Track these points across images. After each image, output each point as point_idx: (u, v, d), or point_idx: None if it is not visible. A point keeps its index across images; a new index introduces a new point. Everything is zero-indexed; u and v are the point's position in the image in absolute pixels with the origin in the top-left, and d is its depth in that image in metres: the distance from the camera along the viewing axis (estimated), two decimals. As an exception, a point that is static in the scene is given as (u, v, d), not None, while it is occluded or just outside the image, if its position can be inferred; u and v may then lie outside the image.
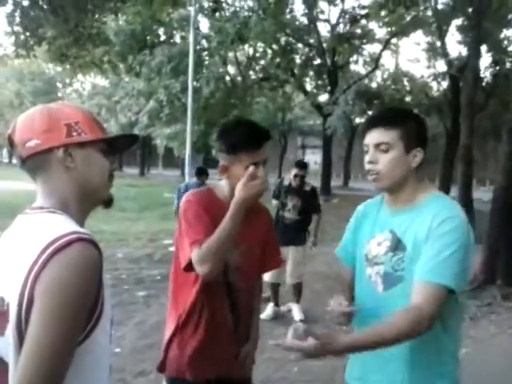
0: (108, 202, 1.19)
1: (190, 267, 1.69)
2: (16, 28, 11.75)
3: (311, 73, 22.54)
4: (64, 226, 1.02)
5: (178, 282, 1.86)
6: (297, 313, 5.01)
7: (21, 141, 1.08)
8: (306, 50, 21.28)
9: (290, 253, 5.00)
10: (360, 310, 1.65)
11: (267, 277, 4.84)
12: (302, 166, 5.17)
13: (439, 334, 1.53)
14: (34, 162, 1.08)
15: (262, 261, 1.96)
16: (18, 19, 11.56)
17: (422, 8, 16.74)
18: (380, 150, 1.54)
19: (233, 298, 1.84)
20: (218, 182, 1.90)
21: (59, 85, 43.69)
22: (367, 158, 1.58)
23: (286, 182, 5.19)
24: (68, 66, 17.05)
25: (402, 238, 1.56)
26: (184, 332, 1.82)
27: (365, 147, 1.60)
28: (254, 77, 22.48)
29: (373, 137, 1.57)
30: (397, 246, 1.56)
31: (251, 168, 1.65)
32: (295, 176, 5.01)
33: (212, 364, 1.81)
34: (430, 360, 1.54)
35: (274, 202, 5.06)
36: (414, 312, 1.40)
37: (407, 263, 1.52)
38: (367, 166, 1.58)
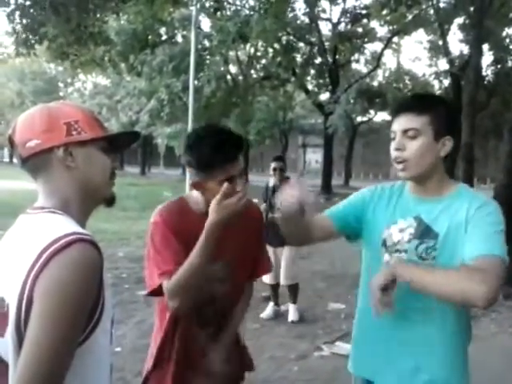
0: (110, 201, 1.18)
1: (153, 294, 1.61)
2: (17, 27, 11.75)
3: (312, 72, 22.52)
4: (64, 226, 1.01)
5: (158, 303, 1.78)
6: (292, 313, 5.00)
7: (21, 141, 1.07)
8: (308, 48, 21.26)
9: (283, 253, 4.97)
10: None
11: (266, 278, 4.83)
12: (278, 158, 5.14)
13: (461, 323, 1.51)
14: (35, 162, 1.08)
15: (252, 267, 1.83)
16: (18, 18, 11.56)
17: (423, 6, 16.71)
18: (408, 136, 1.47)
19: (215, 307, 1.72)
20: (192, 192, 1.72)
21: (61, 84, 43.74)
22: (394, 144, 1.51)
23: (271, 184, 5.15)
24: (69, 65, 17.05)
25: (431, 226, 1.49)
26: (160, 364, 1.76)
27: (392, 134, 1.53)
28: (255, 76, 22.48)
29: (401, 123, 1.50)
30: (425, 233, 1.50)
31: (225, 186, 1.48)
32: (274, 170, 4.98)
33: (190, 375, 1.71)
34: (439, 354, 1.52)
35: (263, 205, 4.99)
36: (478, 278, 1.26)
37: (440, 251, 1.46)
38: (394, 154, 1.51)
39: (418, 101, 1.55)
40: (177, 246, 1.58)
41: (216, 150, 1.52)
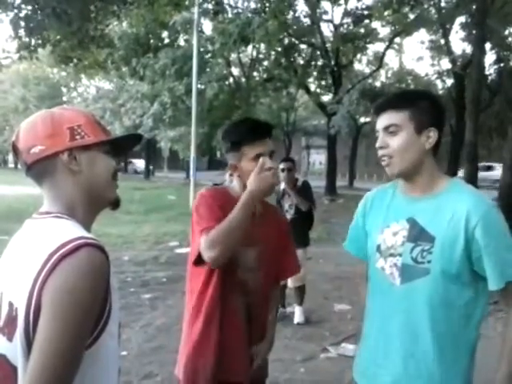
0: (115, 203, 1.19)
1: (199, 261, 1.69)
2: (20, 31, 11.81)
3: (315, 73, 22.52)
4: (71, 231, 1.02)
5: (191, 282, 1.86)
6: (298, 315, 4.98)
7: (25, 147, 1.08)
8: (310, 50, 21.27)
9: None
10: (372, 307, 1.61)
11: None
12: (286, 159, 5.13)
13: (460, 329, 1.47)
14: (40, 168, 1.08)
15: (281, 267, 1.95)
16: (21, 23, 11.62)
17: (425, 6, 16.70)
18: (389, 132, 1.49)
19: (247, 298, 1.81)
20: (232, 182, 1.93)
21: (64, 89, 43.88)
22: (377, 143, 1.53)
23: (281, 187, 5.15)
24: (72, 69, 17.12)
25: (426, 228, 1.45)
26: (196, 335, 1.80)
27: (376, 133, 1.55)
28: (257, 78, 22.50)
29: (382, 121, 1.52)
30: (420, 235, 1.46)
31: (261, 159, 1.65)
32: (282, 171, 4.97)
33: (227, 366, 1.79)
34: (443, 356, 1.47)
35: None
36: None
37: (437, 255, 1.42)
38: (379, 153, 1.53)
39: (397, 97, 1.56)
40: (220, 215, 1.70)
41: (245, 130, 1.77)
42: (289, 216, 5.01)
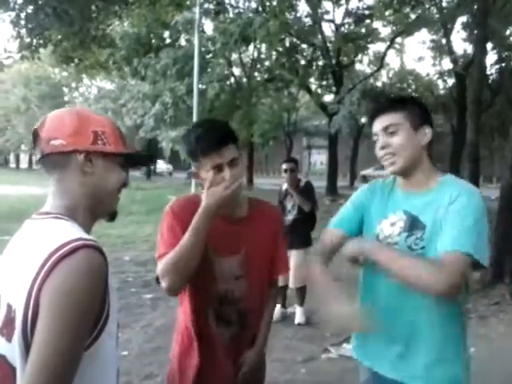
0: (112, 215, 1.21)
1: (157, 282, 1.66)
2: (21, 31, 11.82)
3: (316, 73, 22.51)
4: (69, 232, 1.02)
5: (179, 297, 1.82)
6: (298, 316, 4.98)
7: (46, 137, 1.09)
8: (311, 50, 21.26)
9: (291, 256, 4.90)
10: (369, 291, 1.68)
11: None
12: (288, 160, 5.13)
13: (449, 306, 1.53)
14: (54, 160, 1.10)
15: (270, 265, 1.83)
16: (22, 22, 11.64)
17: (426, 6, 16.69)
18: (389, 133, 1.57)
19: (236, 307, 1.74)
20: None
21: (65, 89, 43.92)
22: (378, 144, 1.59)
23: (283, 187, 5.14)
24: (74, 69, 17.13)
25: (419, 217, 1.55)
26: (180, 350, 1.77)
27: (374, 136, 1.63)
28: (258, 78, 22.50)
29: (379, 123, 1.59)
30: (413, 225, 1.56)
31: (209, 174, 1.59)
32: (285, 171, 4.96)
33: (208, 378, 1.72)
34: (434, 343, 1.55)
35: None
36: (437, 265, 1.39)
37: (427, 241, 1.51)
38: (380, 153, 1.60)
39: (391, 101, 1.67)
40: (179, 234, 1.63)
41: (198, 140, 1.61)
42: (291, 216, 5.00)
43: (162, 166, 41.18)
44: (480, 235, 1.45)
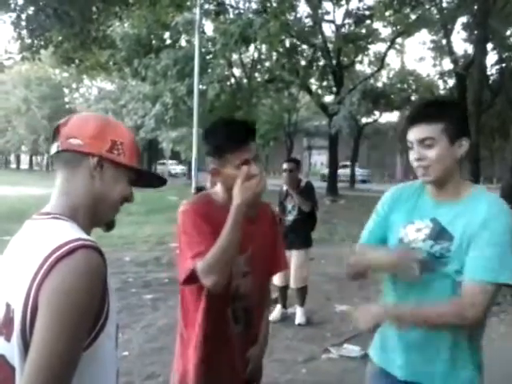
0: (110, 226, 1.22)
1: (188, 281, 1.64)
2: (22, 32, 11.84)
3: (316, 74, 22.52)
4: (68, 232, 1.02)
5: (185, 299, 1.82)
6: (299, 316, 4.98)
7: (66, 135, 1.11)
8: (311, 51, 21.27)
9: (292, 257, 4.89)
10: (392, 294, 1.69)
11: (275, 280, 4.80)
12: (289, 160, 5.12)
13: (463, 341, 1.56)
14: (67, 157, 1.11)
15: (270, 263, 1.90)
16: (23, 24, 11.65)
17: (427, 7, 16.69)
18: (425, 145, 1.54)
19: (241, 303, 1.78)
20: (215, 187, 1.84)
21: (66, 90, 43.95)
22: (413, 155, 1.58)
23: (284, 188, 5.13)
24: (75, 70, 17.16)
25: (447, 228, 1.55)
26: (188, 345, 1.78)
27: (409, 143, 1.60)
28: (259, 79, 22.50)
29: (416, 133, 1.56)
30: (440, 234, 1.55)
31: (243, 168, 1.60)
32: (284, 171, 4.95)
33: (219, 377, 1.76)
34: (452, 347, 1.56)
35: (276, 210, 4.97)
36: (458, 307, 1.45)
37: (453, 253, 1.51)
38: (415, 164, 1.58)
39: (430, 109, 1.60)
40: (207, 231, 1.65)
41: (227, 136, 1.65)
42: (292, 217, 4.99)
43: (175, 167, 40.93)
44: (506, 259, 1.46)
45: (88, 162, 1.10)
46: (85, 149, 1.10)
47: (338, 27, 21.39)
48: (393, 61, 42.62)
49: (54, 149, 1.14)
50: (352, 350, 4.18)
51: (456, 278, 1.51)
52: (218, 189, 1.79)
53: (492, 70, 19.59)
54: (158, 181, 1.29)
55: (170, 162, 39.44)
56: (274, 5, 15.66)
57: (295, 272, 4.94)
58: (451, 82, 22.47)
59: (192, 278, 1.62)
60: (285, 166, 4.94)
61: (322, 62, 21.67)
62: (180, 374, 1.80)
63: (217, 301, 1.71)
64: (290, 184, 4.92)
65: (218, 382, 1.77)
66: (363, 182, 31.83)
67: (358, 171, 31.75)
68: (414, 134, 1.56)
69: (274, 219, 1.97)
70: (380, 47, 28.46)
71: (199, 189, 5.54)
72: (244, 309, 1.79)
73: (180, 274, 1.67)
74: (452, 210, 1.56)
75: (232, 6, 18.37)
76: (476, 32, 11.64)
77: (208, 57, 17.39)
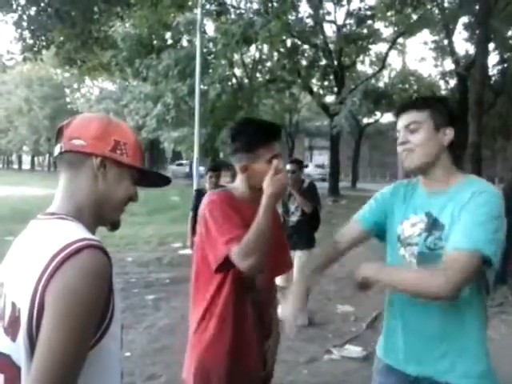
0: (115, 226, 1.22)
1: (222, 267, 1.68)
2: (24, 32, 11.86)
3: (318, 74, 22.51)
4: (74, 232, 1.03)
5: (200, 285, 1.85)
6: (300, 317, 4.97)
7: (69, 136, 1.12)
8: (312, 51, 21.27)
9: (295, 257, 4.89)
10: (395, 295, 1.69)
11: (278, 280, 4.80)
12: (292, 161, 5.12)
13: (467, 302, 1.53)
14: (71, 158, 1.12)
15: (278, 262, 1.96)
16: (25, 24, 11.67)
17: (428, 7, 16.68)
18: (410, 129, 1.59)
19: (256, 297, 1.85)
20: (233, 184, 1.93)
21: (67, 90, 44.00)
22: (398, 140, 1.62)
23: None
24: (77, 71, 17.19)
25: (438, 218, 1.57)
26: (209, 334, 1.81)
27: (397, 133, 1.65)
28: (260, 79, 22.50)
29: (403, 120, 1.62)
30: (433, 225, 1.57)
31: (275, 162, 1.68)
32: (287, 172, 4.95)
33: (237, 363, 1.81)
34: (458, 340, 1.55)
35: (279, 210, 4.98)
36: (434, 271, 1.43)
37: (446, 241, 1.51)
38: (399, 149, 1.62)
39: (418, 100, 1.71)
40: (237, 219, 1.71)
41: (260, 131, 1.77)
42: (295, 218, 5.00)
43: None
44: (492, 233, 1.43)
45: (91, 162, 1.11)
46: (87, 149, 1.11)
47: (340, 27, 21.39)
48: (394, 61, 42.58)
49: (57, 150, 1.14)
50: (354, 350, 4.18)
51: None
52: (239, 185, 1.85)
53: (494, 71, 19.56)
54: (162, 180, 1.29)
55: (185, 162, 38.86)
56: (276, 5, 15.66)
57: (300, 273, 4.94)
58: (453, 82, 22.46)
59: (226, 264, 1.66)
60: (288, 167, 4.95)
61: (323, 63, 21.65)
62: (199, 367, 1.81)
63: (239, 290, 1.78)
64: (293, 185, 4.92)
65: (242, 374, 1.81)
66: (323, 180, 31.98)
67: (316, 170, 31.63)
68: (402, 120, 1.63)
69: (279, 220, 2.08)
70: (381, 47, 28.47)
71: (199, 191, 5.54)
72: (257, 303, 1.85)
73: (212, 262, 1.71)
74: (442, 199, 1.58)
75: (233, 7, 18.38)
76: (477, 32, 11.62)
77: (209, 57, 17.39)
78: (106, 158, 1.12)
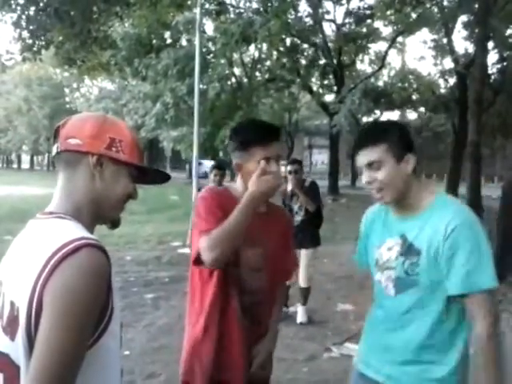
0: (115, 223, 1.22)
1: (198, 261, 1.69)
2: (23, 32, 11.85)
3: (317, 73, 22.51)
4: (72, 231, 1.03)
5: (194, 282, 1.87)
6: (301, 315, 4.99)
7: (65, 135, 1.12)
8: (312, 50, 21.26)
9: (301, 256, 4.93)
10: (374, 314, 1.73)
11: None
12: (293, 161, 5.14)
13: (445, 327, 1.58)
14: (67, 157, 1.12)
15: (284, 267, 1.97)
16: (24, 24, 11.66)
17: (428, 5, 16.67)
18: (373, 168, 1.58)
19: (251, 298, 1.82)
20: (234, 183, 1.94)
21: (67, 90, 43.97)
22: (364, 179, 1.62)
23: (288, 189, 5.15)
24: (76, 70, 17.17)
25: (414, 243, 1.58)
26: (196, 333, 1.82)
27: (359, 169, 1.65)
28: (259, 78, 22.50)
29: (363, 158, 1.60)
30: (408, 250, 1.58)
31: (262, 162, 1.70)
32: (289, 173, 4.98)
33: (224, 365, 1.80)
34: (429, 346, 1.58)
35: None
36: (489, 336, 1.47)
37: (422, 267, 1.54)
38: (368, 187, 1.63)
39: (371, 133, 1.67)
40: (220, 216, 1.70)
41: (255, 132, 1.78)
42: (299, 218, 5.02)
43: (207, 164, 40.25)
44: (490, 263, 1.50)
45: (88, 160, 1.11)
46: (84, 148, 1.11)
47: (339, 26, 21.39)
48: (393, 60, 42.71)
49: (54, 150, 1.14)
50: (353, 348, 4.18)
51: (430, 289, 1.54)
52: (238, 184, 1.86)
53: (493, 69, 19.54)
54: (161, 177, 1.29)
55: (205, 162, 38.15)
56: (275, 4, 15.64)
57: (304, 271, 4.98)
58: (452, 80, 22.41)
59: (201, 260, 1.67)
60: (289, 167, 4.97)
61: (322, 61, 21.65)
62: (188, 360, 1.84)
63: (224, 288, 1.77)
64: (295, 184, 4.95)
65: (227, 369, 1.80)
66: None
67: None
68: (361, 159, 1.61)
69: (286, 220, 2.06)
70: (381, 46, 28.42)
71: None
72: (252, 304, 1.82)
73: (192, 254, 1.73)
74: (416, 223, 1.59)
75: (232, 6, 18.37)
76: (477, 31, 11.62)
77: (209, 56, 17.39)
78: (102, 156, 1.12)
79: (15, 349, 0.99)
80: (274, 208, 2.00)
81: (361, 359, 1.80)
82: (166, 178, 1.30)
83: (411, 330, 1.59)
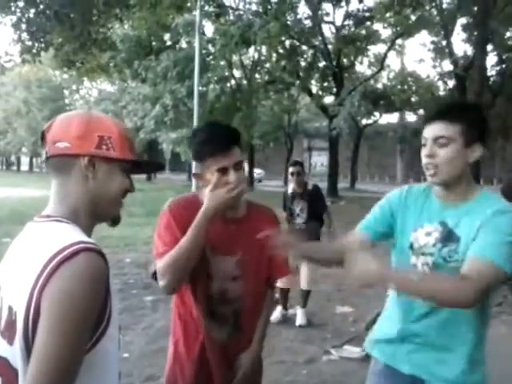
0: (115, 221, 1.20)
1: (154, 279, 1.67)
2: (23, 34, 11.86)
3: (316, 75, 22.54)
4: (70, 235, 1.02)
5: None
6: (300, 317, 4.98)
7: (52, 139, 1.10)
8: (311, 52, 21.30)
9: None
10: (401, 299, 1.68)
11: (279, 281, 4.81)
12: (295, 163, 5.14)
13: (476, 316, 1.55)
14: (58, 162, 1.09)
15: (268, 267, 1.82)
16: (24, 26, 11.68)
17: (427, 8, 16.71)
18: (439, 143, 1.51)
19: (232, 307, 1.75)
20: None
21: (66, 92, 43.98)
22: (425, 151, 1.55)
23: (289, 190, 5.14)
24: (75, 72, 17.19)
25: (454, 230, 1.54)
26: (177, 350, 1.81)
27: (423, 140, 1.57)
28: (259, 80, 22.53)
29: (432, 130, 1.53)
30: (448, 237, 1.55)
31: (214, 176, 1.60)
32: (291, 174, 4.98)
33: (202, 375, 1.75)
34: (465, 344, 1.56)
35: (283, 213, 5.00)
36: (462, 280, 1.39)
37: (461, 254, 1.50)
38: (425, 160, 1.55)
39: (451, 109, 1.59)
40: (177, 234, 1.64)
41: (206, 142, 1.64)
42: (301, 220, 5.02)
43: (256, 169, 39.20)
44: (510, 252, 1.44)
45: (79, 163, 1.08)
46: (73, 150, 1.08)
47: (338, 28, 21.42)
48: (393, 62, 42.77)
49: (43, 156, 1.12)
50: (352, 351, 4.17)
51: None
52: (205, 191, 1.78)
53: (492, 71, 19.60)
54: (154, 166, 1.29)
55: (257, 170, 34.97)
56: (274, 6, 15.68)
57: (308, 274, 4.97)
58: (451, 83, 22.46)
59: (156, 277, 1.66)
60: (292, 169, 4.96)
61: (322, 64, 21.69)
62: (169, 372, 1.83)
63: (195, 300, 1.73)
64: (298, 187, 4.97)
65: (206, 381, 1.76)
66: (259, 181, 32.88)
67: (255, 171, 31.49)
68: (431, 130, 1.54)
69: (269, 221, 1.83)
70: (380, 48, 28.55)
71: (194, 175, 5.51)
72: (234, 312, 1.76)
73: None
74: (459, 211, 1.55)
75: (232, 8, 18.42)
76: (476, 33, 11.64)
77: (208, 58, 17.42)
78: (94, 157, 1.09)
79: (13, 353, 0.98)
80: (257, 210, 1.85)
81: (381, 349, 1.74)
82: (159, 166, 1.29)
83: (447, 313, 1.55)
